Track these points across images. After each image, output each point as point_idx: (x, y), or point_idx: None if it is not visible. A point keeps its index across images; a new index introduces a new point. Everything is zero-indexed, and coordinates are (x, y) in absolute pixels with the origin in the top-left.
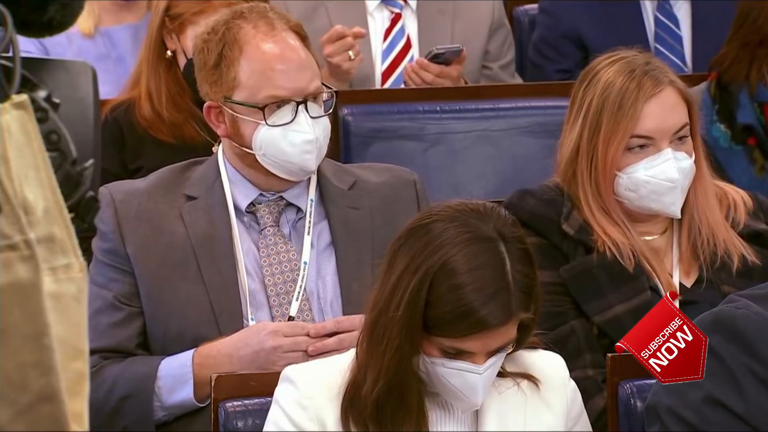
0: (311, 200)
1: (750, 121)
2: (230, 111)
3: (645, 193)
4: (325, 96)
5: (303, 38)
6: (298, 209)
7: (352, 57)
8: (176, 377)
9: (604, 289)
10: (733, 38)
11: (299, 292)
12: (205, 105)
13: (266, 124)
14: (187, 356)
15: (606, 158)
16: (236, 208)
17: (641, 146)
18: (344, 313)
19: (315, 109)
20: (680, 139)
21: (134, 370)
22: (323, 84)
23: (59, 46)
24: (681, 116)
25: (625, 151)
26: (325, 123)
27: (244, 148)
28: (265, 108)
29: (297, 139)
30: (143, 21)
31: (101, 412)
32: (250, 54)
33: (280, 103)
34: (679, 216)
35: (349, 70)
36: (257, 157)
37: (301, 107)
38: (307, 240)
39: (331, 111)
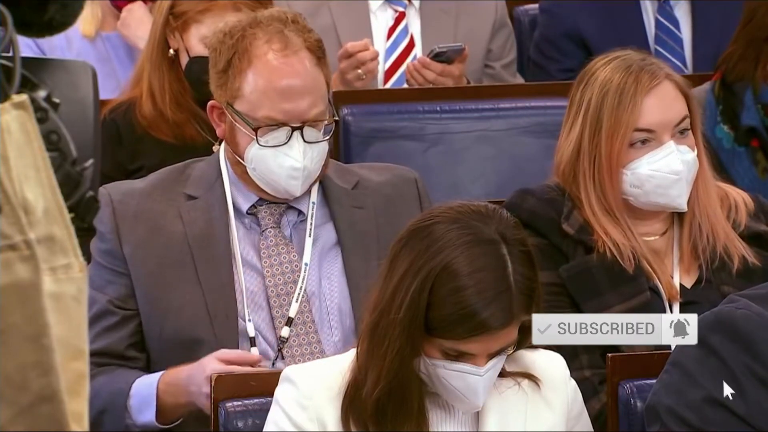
0: (313, 203)
1: (754, 123)
2: (230, 117)
3: (650, 188)
4: (326, 120)
5: (319, 57)
6: (300, 211)
7: (363, 76)
8: (143, 398)
9: (603, 289)
10: (739, 36)
11: (299, 294)
12: (210, 103)
13: (258, 144)
14: (154, 379)
15: (611, 155)
16: (237, 209)
17: (643, 141)
18: (354, 314)
19: (312, 133)
20: (682, 132)
21: (112, 385)
22: (331, 101)
23: (58, 49)
24: (681, 109)
25: (627, 147)
26: (321, 147)
27: (238, 156)
28: (258, 129)
29: (285, 163)
30: None
31: None
32: (257, 69)
33: (276, 124)
34: (686, 209)
35: (362, 87)
36: (248, 170)
37: (296, 132)
38: (308, 242)
39: (330, 136)
